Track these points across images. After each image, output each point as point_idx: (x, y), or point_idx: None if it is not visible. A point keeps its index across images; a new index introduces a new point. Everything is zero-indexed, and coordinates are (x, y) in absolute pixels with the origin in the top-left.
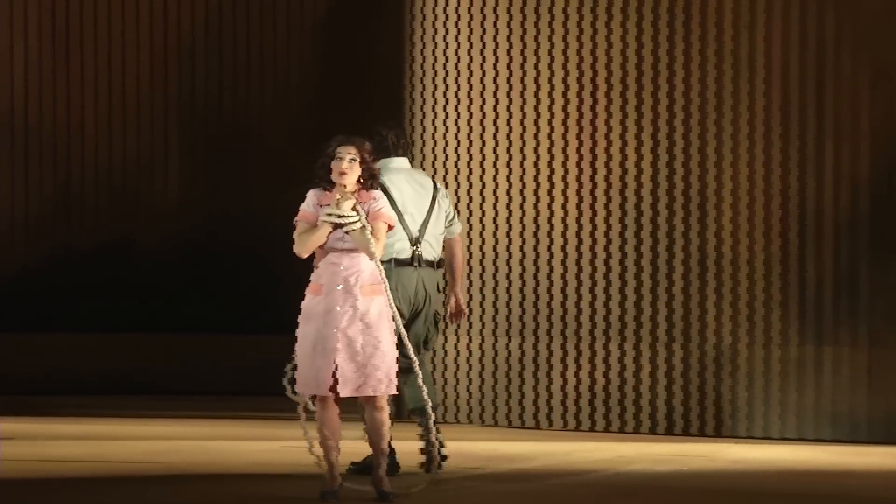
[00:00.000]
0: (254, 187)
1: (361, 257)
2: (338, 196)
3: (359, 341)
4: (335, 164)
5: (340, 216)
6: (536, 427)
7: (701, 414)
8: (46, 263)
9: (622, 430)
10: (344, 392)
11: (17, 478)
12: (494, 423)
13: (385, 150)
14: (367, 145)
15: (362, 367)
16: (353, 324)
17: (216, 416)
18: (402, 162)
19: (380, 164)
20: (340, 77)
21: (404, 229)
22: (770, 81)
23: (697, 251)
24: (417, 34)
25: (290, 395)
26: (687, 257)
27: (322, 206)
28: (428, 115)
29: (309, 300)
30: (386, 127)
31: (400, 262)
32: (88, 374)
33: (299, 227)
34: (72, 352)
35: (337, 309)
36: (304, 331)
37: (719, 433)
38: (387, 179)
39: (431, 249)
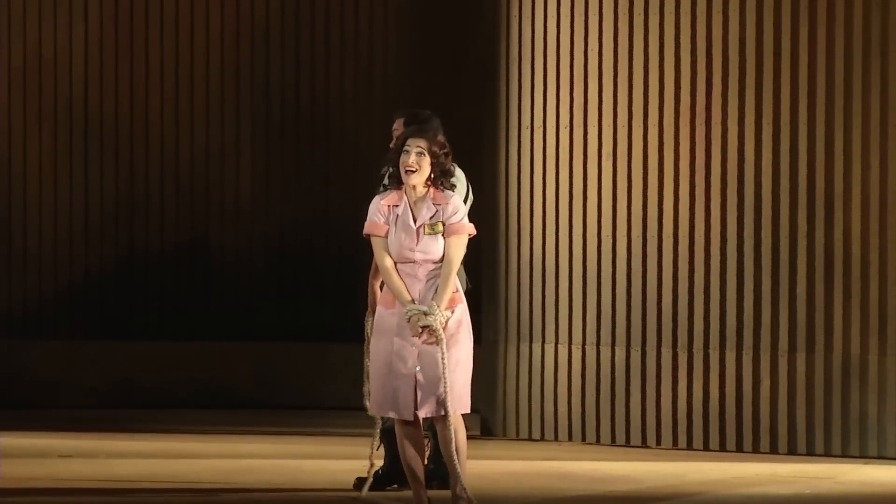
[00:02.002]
0: (334, 182)
1: (429, 267)
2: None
3: (437, 356)
4: (403, 158)
5: (425, 326)
6: (644, 445)
7: (826, 431)
8: (110, 267)
9: (739, 450)
10: (423, 413)
11: (67, 499)
12: (597, 441)
13: None
14: (439, 137)
15: (441, 383)
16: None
17: (297, 432)
18: None
19: None
20: (428, 62)
21: None
22: None
23: (823, 251)
24: (514, 12)
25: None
26: (811, 258)
27: (390, 207)
28: (525, 102)
29: (381, 313)
30: (424, 113)
31: None
32: (159, 385)
33: (375, 243)
34: (138, 361)
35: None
36: (377, 347)
37: (846, 452)
38: None
39: None
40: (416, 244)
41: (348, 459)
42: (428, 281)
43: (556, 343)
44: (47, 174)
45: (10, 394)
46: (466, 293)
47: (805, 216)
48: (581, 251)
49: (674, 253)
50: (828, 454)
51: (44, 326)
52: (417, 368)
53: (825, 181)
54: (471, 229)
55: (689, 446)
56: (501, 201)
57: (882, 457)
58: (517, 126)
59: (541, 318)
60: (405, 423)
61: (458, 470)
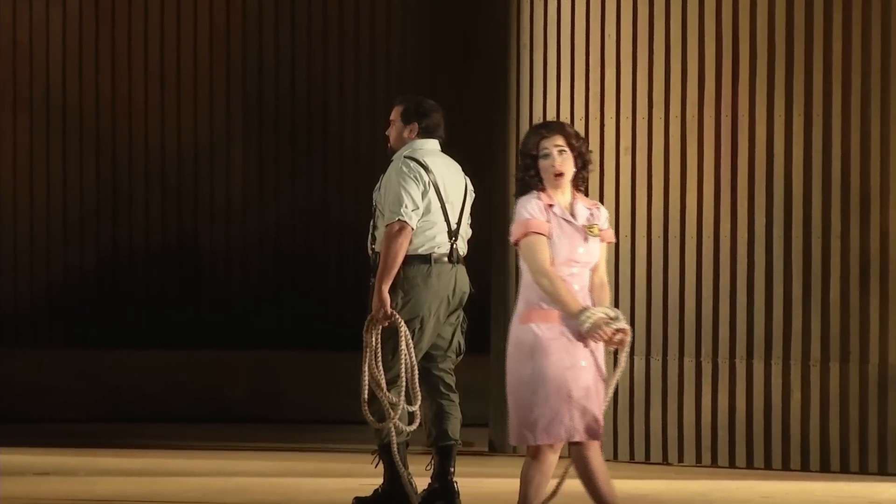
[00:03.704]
0: (333, 178)
1: (588, 273)
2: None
3: (595, 372)
4: (544, 164)
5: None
6: (665, 462)
7: (862, 447)
8: (91, 269)
9: (767, 467)
10: (593, 437)
11: None
12: (615, 458)
13: (429, 130)
14: (572, 128)
15: (602, 401)
16: (597, 352)
17: (295, 447)
18: (436, 144)
19: (416, 144)
20: (436, 48)
21: (445, 220)
22: None
23: (858, 253)
24: None
25: (374, 423)
26: (846, 261)
27: (550, 206)
28: (537, 91)
29: (539, 330)
30: (427, 101)
31: (438, 258)
32: (147, 397)
33: (536, 245)
34: (123, 371)
35: (580, 339)
36: (545, 368)
37: (884, 470)
38: (429, 161)
39: (464, 244)
40: (584, 246)
41: (348, 477)
42: (581, 290)
43: None
44: (22, 169)
45: None
46: (470, 299)
47: (839, 215)
48: None
49: (697, 255)
50: (863, 472)
51: (21, 334)
52: (589, 388)
53: (860, 177)
54: (612, 239)
55: (714, 463)
56: (512, 199)
57: None
58: (528, 118)
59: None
60: (554, 450)
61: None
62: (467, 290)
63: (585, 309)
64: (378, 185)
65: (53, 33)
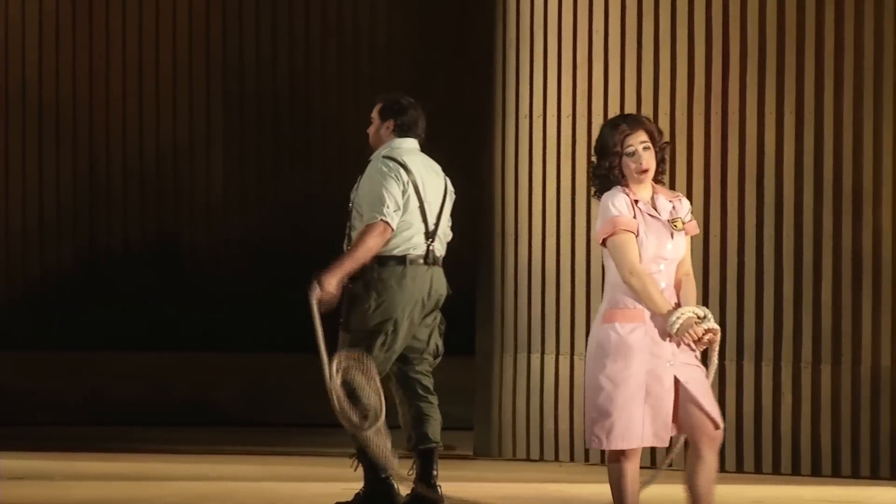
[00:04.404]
0: (317, 175)
1: (674, 268)
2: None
3: (696, 368)
4: (628, 161)
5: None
6: (653, 466)
7: (854, 451)
8: (68, 270)
9: (758, 471)
10: (662, 443)
11: None
12: (602, 462)
13: (404, 128)
14: (653, 122)
15: (698, 402)
16: (684, 351)
17: (280, 451)
18: (414, 143)
19: (394, 143)
20: (422, 44)
21: (423, 221)
22: None
23: (850, 254)
24: None
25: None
26: (837, 261)
27: (636, 202)
28: (524, 88)
29: (622, 330)
30: (405, 99)
31: (413, 260)
32: (124, 399)
33: (625, 243)
34: (102, 373)
35: (666, 339)
36: (625, 371)
37: (876, 475)
38: (408, 160)
39: (441, 246)
40: (671, 242)
41: (332, 482)
42: (667, 287)
43: (557, 354)
44: None
45: None
46: (447, 300)
47: (831, 215)
48: (585, 253)
49: None
50: (856, 476)
51: None
52: (686, 383)
53: (853, 176)
54: (695, 232)
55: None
56: (497, 197)
57: None
58: (515, 115)
59: (540, 327)
60: (635, 455)
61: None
62: (444, 293)
63: (675, 309)
64: (356, 186)
65: (29, 28)
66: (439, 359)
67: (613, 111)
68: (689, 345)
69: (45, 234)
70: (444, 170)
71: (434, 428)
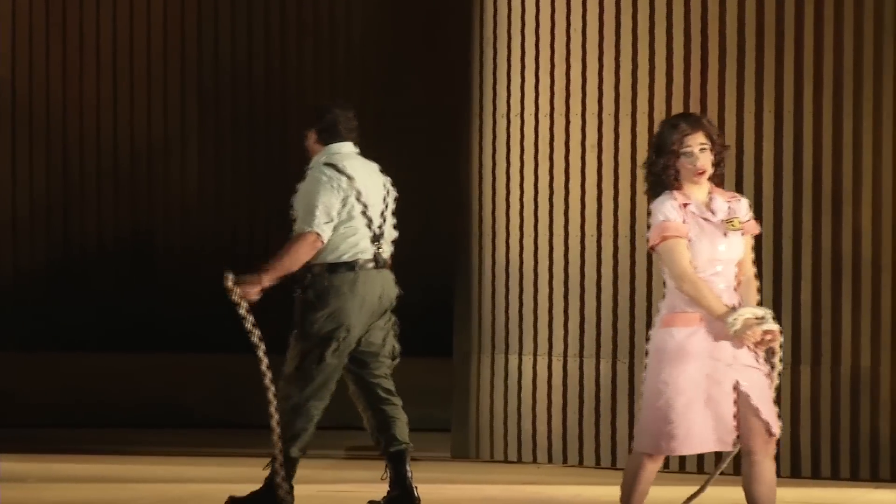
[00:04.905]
0: (293, 174)
1: (733, 269)
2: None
3: (756, 371)
4: (685, 161)
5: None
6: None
7: (833, 453)
8: (41, 270)
9: (737, 473)
10: (725, 447)
11: None
12: (580, 464)
13: (336, 133)
14: (711, 122)
15: (754, 406)
16: (747, 354)
17: (255, 453)
18: (351, 147)
19: (330, 149)
20: (398, 41)
21: (367, 225)
22: None
23: (830, 254)
24: None
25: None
26: (817, 262)
27: (686, 205)
28: (501, 86)
29: (679, 334)
30: (336, 105)
31: (363, 265)
32: (97, 401)
33: (676, 249)
34: (75, 375)
35: (725, 341)
36: (685, 375)
37: (855, 476)
38: (348, 165)
39: (388, 248)
40: (725, 243)
41: (307, 484)
42: (726, 288)
43: (535, 355)
44: None
45: None
46: (399, 300)
47: (810, 215)
48: (563, 253)
49: None
50: (835, 478)
51: None
52: (744, 386)
53: (832, 176)
54: (758, 231)
55: (682, 469)
56: (474, 197)
57: (895, 480)
58: (492, 114)
59: (518, 328)
60: (658, 459)
61: None
62: (395, 294)
63: (733, 310)
64: (295, 195)
65: (2, 25)
66: (396, 360)
67: (592, 110)
68: (748, 346)
69: (19, 234)
70: (421, 170)
71: (402, 429)
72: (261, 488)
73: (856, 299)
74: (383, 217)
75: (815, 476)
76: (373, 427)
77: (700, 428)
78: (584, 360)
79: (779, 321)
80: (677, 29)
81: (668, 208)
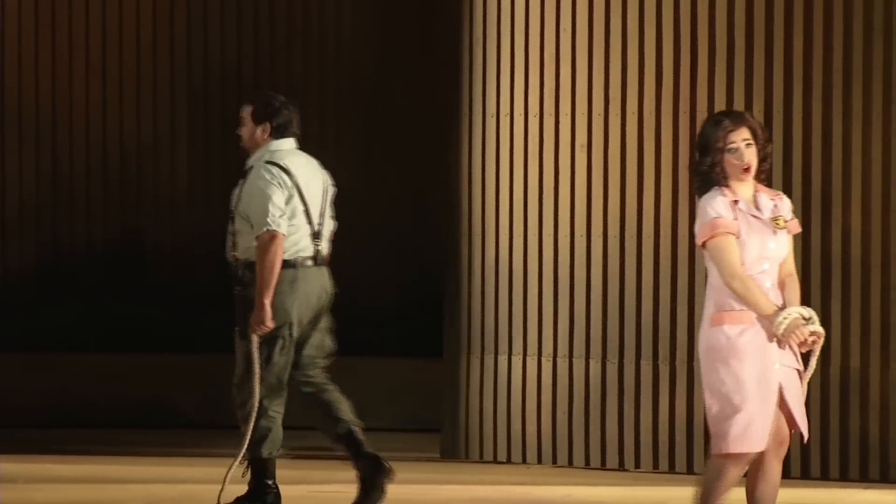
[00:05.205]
0: None
1: (776, 269)
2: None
3: (794, 379)
4: (731, 157)
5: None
6: (621, 468)
7: (823, 453)
8: (30, 270)
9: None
10: (782, 443)
11: None
12: (570, 464)
13: (281, 129)
14: (755, 119)
15: (789, 409)
16: (787, 354)
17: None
18: (292, 143)
19: (272, 145)
20: (388, 42)
21: (308, 223)
22: None
23: (819, 254)
24: None
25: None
26: (806, 261)
27: (735, 202)
28: (490, 86)
29: (731, 332)
30: (276, 99)
31: (303, 262)
32: (88, 401)
33: (726, 246)
34: (65, 375)
35: (773, 341)
36: (740, 374)
37: (845, 476)
38: (290, 162)
39: (327, 245)
40: (774, 241)
41: (297, 484)
42: (772, 287)
43: (525, 355)
44: None
45: None
46: (335, 297)
47: (800, 215)
48: (552, 253)
49: (655, 255)
50: (825, 478)
51: None
52: (785, 388)
53: (822, 176)
54: (798, 230)
55: (672, 469)
56: (464, 197)
57: (885, 481)
58: (481, 114)
59: (507, 328)
60: (739, 460)
61: None
62: (331, 291)
63: (781, 310)
64: (237, 191)
65: None
66: (330, 357)
67: (581, 110)
68: (792, 347)
69: (7, 233)
70: (411, 170)
71: (346, 409)
72: (247, 493)
73: (845, 300)
74: (322, 215)
75: (805, 476)
76: (317, 418)
77: (758, 425)
78: (574, 360)
79: None
80: (666, 29)
81: (718, 204)
